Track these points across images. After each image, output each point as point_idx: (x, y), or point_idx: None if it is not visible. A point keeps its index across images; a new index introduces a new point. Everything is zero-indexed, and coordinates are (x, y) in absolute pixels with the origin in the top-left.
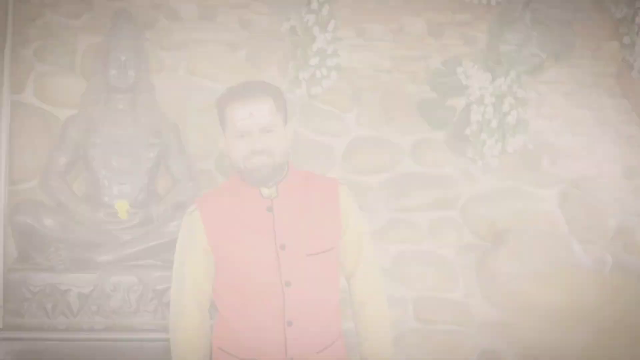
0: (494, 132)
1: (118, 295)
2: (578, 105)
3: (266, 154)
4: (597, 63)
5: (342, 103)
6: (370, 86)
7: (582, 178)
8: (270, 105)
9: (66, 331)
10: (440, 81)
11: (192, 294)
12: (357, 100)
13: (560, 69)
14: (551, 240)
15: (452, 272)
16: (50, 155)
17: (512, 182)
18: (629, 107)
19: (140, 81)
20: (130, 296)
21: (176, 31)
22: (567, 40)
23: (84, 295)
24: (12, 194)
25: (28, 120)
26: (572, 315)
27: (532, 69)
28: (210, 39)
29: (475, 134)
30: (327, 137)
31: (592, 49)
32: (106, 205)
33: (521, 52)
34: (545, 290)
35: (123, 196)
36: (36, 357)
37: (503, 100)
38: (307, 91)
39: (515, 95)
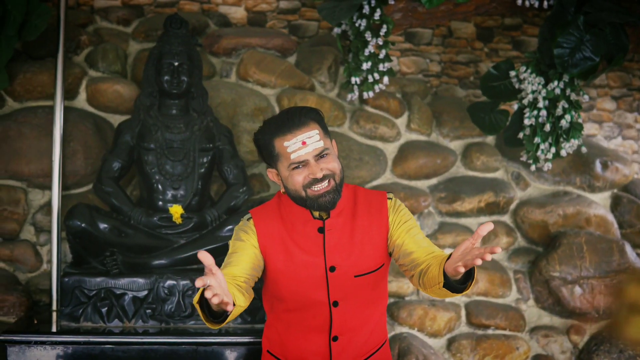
0: (548, 136)
1: (173, 299)
2: (629, 109)
3: (328, 179)
4: None
5: (393, 107)
6: (421, 90)
7: (634, 182)
8: (318, 129)
9: (121, 335)
10: (492, 85)
11: (226, 272)
12: (408, 104)
13: (610, 73)
14: (604, 244)
15: (505, 276)
16: (103, 160)
17: (564, 186)
18: None
19: (193, 86)
20: (184, 300)
21: (227, 37)
22: (619, 44)
23: (138, 299)
24: (66, 199)
25: (81, 126)
26: (625, 319)
27: (585, 73)
28: (261, 44)
29: (529, 138)
30: (378, 141)
31: None
32: (160, 210)
33: (574, 56)
34: (598, 294)
35: (177, 201)
36: None
37: (557, 104)
38: (358, 96)
39: (569, 99)
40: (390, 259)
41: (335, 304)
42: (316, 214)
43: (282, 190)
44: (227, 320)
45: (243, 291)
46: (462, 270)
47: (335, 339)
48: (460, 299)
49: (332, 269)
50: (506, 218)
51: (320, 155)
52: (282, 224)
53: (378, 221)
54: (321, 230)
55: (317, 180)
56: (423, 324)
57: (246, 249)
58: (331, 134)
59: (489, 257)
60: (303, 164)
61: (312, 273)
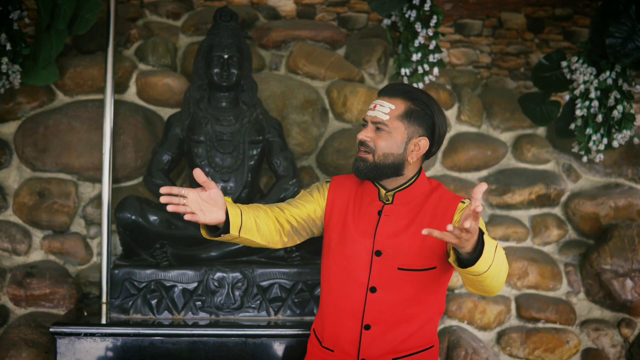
0: (600, 127)
1: (222, 291)
2: None
3: (366, 149)
4: None
5: (443, 99)
6: (471, 82)
7: None
8: (398, 108)
9: (170, 327)
10: (543, 76)
11: (281, 205)
12: (457, 96)
13: None
14: None
15: (555, 269)
16: (154, 153)
17: (616, 178)
18: None
19: (242, 79)
20: (234, 292)
21: (276, 29)
22: None
23: (188, 291)
24: (116, 192)
25: (131, 119)
26: None
27: (637, 63)
28: (310, 36)
29: (580, 129)
30: None
31: None
32: None
33: (627, 46)
34: None
35: (227, 193)
36: (141, 353)
37: (609, 94)
38: None
39: (621, 89)
40: (451, 267)
41: (373, 289)
42: (382, 195)
43: None
44: (226, 238)
45: (278, 227)
46: (451, 228)
47: (367, 327)
48: (510, 291)
49: (378, 253)
50: (557, 210)
51: (377, 127)
52: (352, 197)
53: (440, 222)
54: (379, 213)
55: (360, 143)
56: (473, 317)
57: (311, 202)
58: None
59: (479, 207)
60: (364, 124)
61: (359, 252)
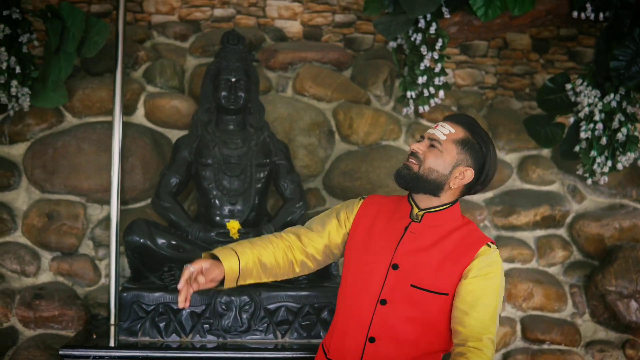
0: (604, 149)
1: (230, 314)
2: None
3: (416, 160)
4: None
5: None
6: (476, 103)
7: None
8: (457, 133)
9: (178, 350)
10: (548, 98)
11: (307, 225)
12: None
13: None
14: None
15: (560, 290)
16: (162, 176)
17: (620, 199)
18: None
19: (250, 102)
20: (241, 315)
21: (283, 51)
22: None
23: (196, 314)
24: (124, 214)
25: (139, 141)
26: None
27: None
28: (316, 58)
29: (585, 151)
30: None
31: None
32: (218, 225)
33: (630, 69)
34: None
35: (234, 216)
36: None
37: (613, 117)
38: (414, 110)
39: (625, 112)
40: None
41: (383, 302)
42: (414, 213)
43: None
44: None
45: (291, 259)
46: None
47: (372, 340)
48: (515, 313)
49: (395, 266)
50: (562, 231)
51: (431, 144)
52: (382, 212)
53: (460, 255)
54: (406, 229)
55: (410, 153)
56: None
57: (334, 226)
58: (386, 147)
59: None
60: (422, 138)
61: (377, 263)
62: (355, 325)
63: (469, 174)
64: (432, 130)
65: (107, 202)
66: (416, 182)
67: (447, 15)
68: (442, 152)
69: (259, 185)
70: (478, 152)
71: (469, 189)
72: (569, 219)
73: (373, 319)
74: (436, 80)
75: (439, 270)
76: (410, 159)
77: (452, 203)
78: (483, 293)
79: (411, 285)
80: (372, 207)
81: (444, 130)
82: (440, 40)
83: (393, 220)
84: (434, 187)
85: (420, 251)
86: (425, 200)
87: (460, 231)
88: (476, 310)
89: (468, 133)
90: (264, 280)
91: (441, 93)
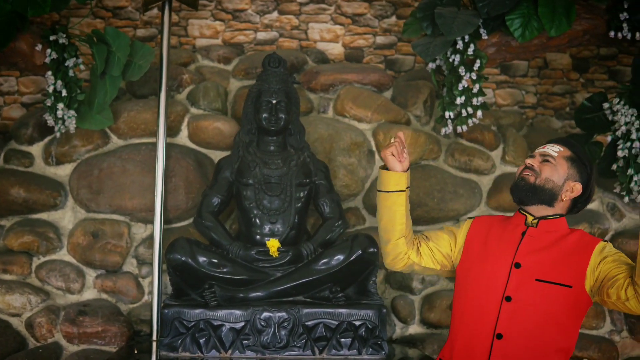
0: None
1: (269, 330)
2: None
3: (533, 172)
4: None
5: (488, 140)
6: (516, 122)
7: None
8: (565, 151)
9: None
10: (586, 117)
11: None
12: (503, 136)
13: None
14: None
15: (599, 307)
16: (204, 196)
17: None
18: None
19: (290, 123)
20: (280, 331)
21: (324, 73)
22: None
23: (235, 331)
24: (167, 233)
25: (183, 162)
26: None
27: None
28: (357, 79)
29: (622, 169)
30: (472, 174)
31: None
32: (258, 244)
33: None
34: None
35: (274, 235)
36: None
37: None
38: (453, 130)
39: None
40: (585, 297)
41: (508, 298)
42: (529, 220)
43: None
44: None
45: (416, 242)
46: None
47: (499, 336)
48: None
49: (517, 265)
50: None
51: (544, 159)
52: (495, 225)
53: (579, 255)
54: (523, 233)
55: (525, 167)
56: None
57: (452, 235)
58: (425, 167)
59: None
60: (533, 155)
61: (498, 266)
62: (481, 325)
63: (578, 188)
64: (542, 149)
65: (151, 221)
66: (533, 192)
67: (484, 37)
68: (556, 166)
69: (299, 205)
70: (583, 169)
71: (575, 204)
72: (607, 237)
73: (499, 316)
74: (474, 101)
75: (562, 264)
76: (525, 172)
77: (562, 215)
78: (620, 256)
79: (536, 279)
80: (483, 224)
81: (554, 149)
82: (478, 61)
83: (508, 230)
84: (550, 197)
85: (541, 250)
86: (540, 210)
87: (574, 236)
88: (626, 260)
89: (573, 153)
90: (403, 219)
91: (479, 113)
